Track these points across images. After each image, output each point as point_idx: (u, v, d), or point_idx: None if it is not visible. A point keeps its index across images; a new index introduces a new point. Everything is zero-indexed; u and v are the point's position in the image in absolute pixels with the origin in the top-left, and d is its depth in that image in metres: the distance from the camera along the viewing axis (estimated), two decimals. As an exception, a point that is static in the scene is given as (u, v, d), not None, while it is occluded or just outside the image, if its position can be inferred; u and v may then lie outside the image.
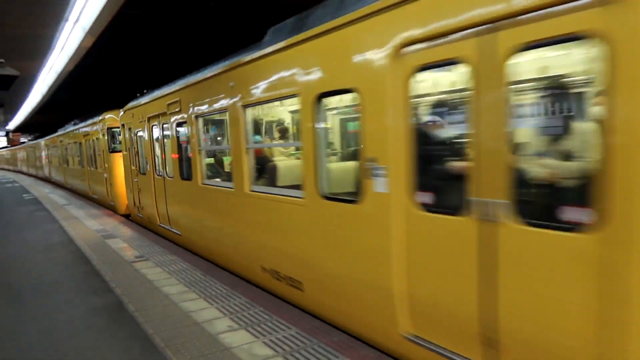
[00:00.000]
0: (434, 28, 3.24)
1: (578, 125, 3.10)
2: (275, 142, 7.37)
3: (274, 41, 5.28)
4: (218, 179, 7.47)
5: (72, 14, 8.64)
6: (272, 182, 5.99)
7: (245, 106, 5.96)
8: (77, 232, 10.61)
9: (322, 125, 4.68)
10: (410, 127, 3.62)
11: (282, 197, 5.28)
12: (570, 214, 2.76)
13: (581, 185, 2.77)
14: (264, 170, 6.28)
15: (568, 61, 3.29)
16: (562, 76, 3.43)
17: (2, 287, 6.67)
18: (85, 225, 11.57)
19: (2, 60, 9.00)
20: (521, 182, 3.00)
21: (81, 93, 21.05)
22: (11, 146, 52.58)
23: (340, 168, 5.38)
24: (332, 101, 5.45)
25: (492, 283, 3.08)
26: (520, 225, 2.89)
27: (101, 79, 18.63)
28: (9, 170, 56.31)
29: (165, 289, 6.06)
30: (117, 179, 13.04)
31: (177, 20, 11.91)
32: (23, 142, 44.68)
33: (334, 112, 6.59)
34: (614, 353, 2.48)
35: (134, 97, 11.22)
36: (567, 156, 3.09)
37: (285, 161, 6.63)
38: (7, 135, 37.62)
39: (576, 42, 2.63)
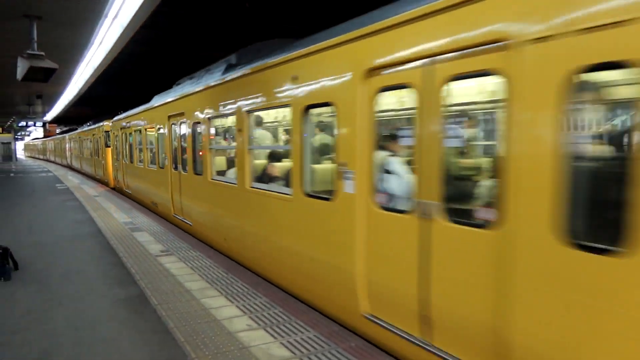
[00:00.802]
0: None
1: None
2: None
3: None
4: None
5: (112, 11, 8.85)
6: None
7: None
8: (105, 223, 10.85)
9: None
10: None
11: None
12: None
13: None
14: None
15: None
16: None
17: (32, 273, 6.87)
18: (114, 217, 11.82)
19: (42, 53, 9.29)
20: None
21: (116, 88, 21.57)
22: (43, 137, 56.90)
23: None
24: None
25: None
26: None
27: (135, 75, 19.05)
28: (38, 158, 63.22)
29: (188, 285, 6.13)
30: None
31: (211, 19, 12.08)
32: (57, 134, 46.25)
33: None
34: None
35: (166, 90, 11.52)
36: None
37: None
38: (43, 126, 38.72)
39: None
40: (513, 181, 3.02)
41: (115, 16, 9.14)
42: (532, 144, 2.91)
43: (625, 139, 2.96)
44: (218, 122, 8.78)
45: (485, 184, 3.93)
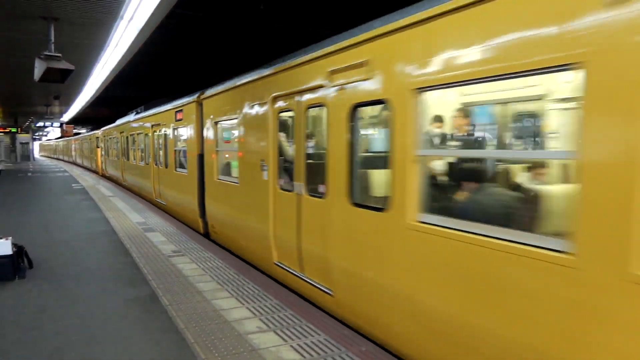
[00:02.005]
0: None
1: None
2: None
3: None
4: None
5: (127, 12, 8.93)
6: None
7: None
8: (119, 223, 10.95)
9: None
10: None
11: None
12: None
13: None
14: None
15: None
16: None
17: (46, 271, 6.94)
18: (128, 217, 11.92)
19: (59, 54, 9.40)
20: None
21: (131, 89, 21.78)
22: (56, 138, 68.23)
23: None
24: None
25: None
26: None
27: (151, 76, 19.22)
28: (51, 157, 72.34)
29: (199, 285, 6.14)
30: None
31: (227, 22, 12.13)
32: (76, 134, 47.76)
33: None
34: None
35: (182, 92, 11.73)
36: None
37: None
38: (61, 126, 39.31)
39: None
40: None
41: (131, 18, 9.21)
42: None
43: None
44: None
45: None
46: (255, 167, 6.97)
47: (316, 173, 5.58)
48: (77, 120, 41.39)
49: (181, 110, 11.19)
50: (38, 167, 41.83)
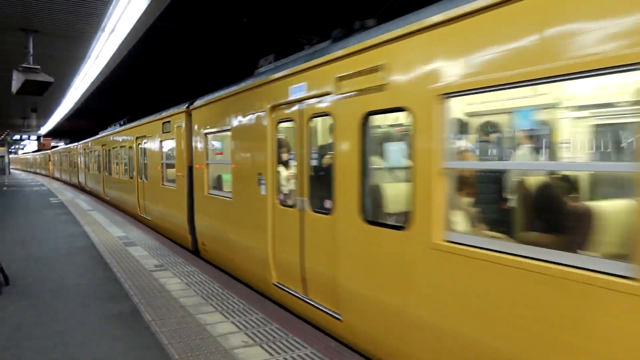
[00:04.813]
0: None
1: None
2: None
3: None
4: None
5: (109, 25, 8.85)
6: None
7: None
8: (99, 237, 10.73)
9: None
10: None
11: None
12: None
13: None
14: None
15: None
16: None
17: (23, 287, 6.75)
18: (108, 231, 11.70)
19: (38, 66, 9.27)
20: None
21: (112, 101, 21.56)
22: (32, 152, 69.21)
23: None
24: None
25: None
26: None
27: (132, 89, 19.06)
28: (27, 171, 72.44)
29: (183, 300, 6.03)
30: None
31: (209, 35, 12.14)
32: (53, 147, 47.22)
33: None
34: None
35: (165, 104, 11.57)
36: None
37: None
38: (38, 139, 38.61)
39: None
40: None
41: (113, 30, 9.14)
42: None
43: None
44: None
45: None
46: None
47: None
48: (55, 133, 40.72)
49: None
50: (14, 180, 40.90)
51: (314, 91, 5.14)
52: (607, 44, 2.45)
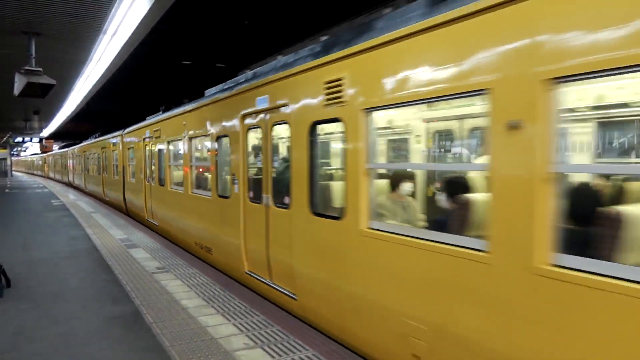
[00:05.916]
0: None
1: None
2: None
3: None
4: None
5: (111, 28, 8.87)
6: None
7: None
8: (101, 239, 10.75)
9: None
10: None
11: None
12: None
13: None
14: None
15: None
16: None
17: (25, 289, 6.75)
18: (110, 233, 11.71)
19: (40, 69, 9.28)
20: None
21: (115, 103, 21.61)
22: (32, 155, 71.44)
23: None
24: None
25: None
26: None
27: (134, 91, 19.10)
28: (27, 172, 75.59)
29: (184, 302, 6.03)
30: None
31: (210, 38, 12.16)
32: (41, 153, 49.57)
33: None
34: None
35: (163, 107, 11.59)
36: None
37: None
38: (40, 141, 38.72)
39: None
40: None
41: (114, 33, 9.16)
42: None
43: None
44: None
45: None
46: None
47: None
48: (57, 135, 40.80)
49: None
50: (16, 183, 40.98)
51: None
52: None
